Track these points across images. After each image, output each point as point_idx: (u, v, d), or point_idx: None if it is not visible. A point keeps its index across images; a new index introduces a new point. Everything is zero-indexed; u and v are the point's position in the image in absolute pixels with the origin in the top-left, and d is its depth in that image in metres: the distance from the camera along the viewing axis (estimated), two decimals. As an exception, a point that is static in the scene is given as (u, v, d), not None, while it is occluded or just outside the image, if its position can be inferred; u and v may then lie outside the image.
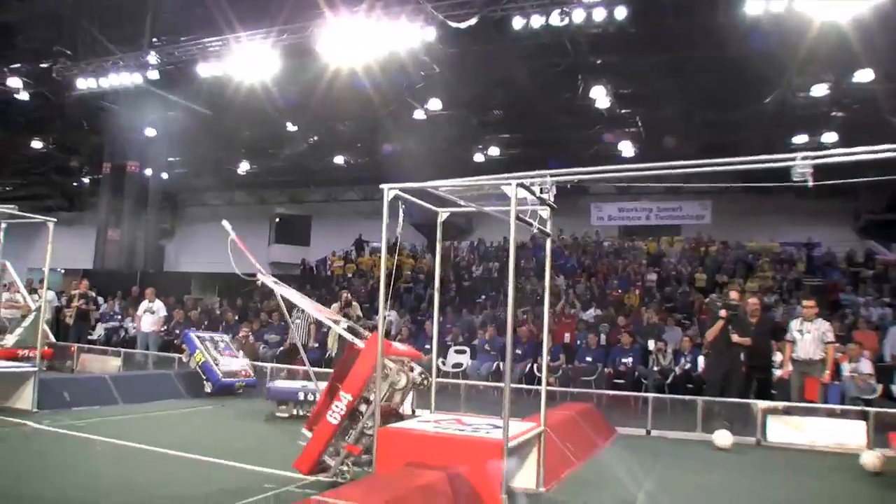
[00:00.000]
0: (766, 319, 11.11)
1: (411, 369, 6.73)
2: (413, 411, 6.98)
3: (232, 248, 7.60)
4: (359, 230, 29.59)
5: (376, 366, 5.96)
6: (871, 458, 7.60)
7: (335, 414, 6.13)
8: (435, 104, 21.52)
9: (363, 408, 6.16)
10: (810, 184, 5.35)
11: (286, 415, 10.25)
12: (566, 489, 6.49)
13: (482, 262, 24.76)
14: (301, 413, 10.06)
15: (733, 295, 11.12)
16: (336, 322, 7.73)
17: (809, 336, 10.04)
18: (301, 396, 10.29)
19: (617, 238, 26.93)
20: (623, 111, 22.07)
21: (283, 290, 7.89)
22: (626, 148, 23.15)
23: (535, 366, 13.70)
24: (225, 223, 7.88)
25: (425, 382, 6.85)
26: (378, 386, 5.97)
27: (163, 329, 16.48)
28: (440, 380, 10.49)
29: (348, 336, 6.94)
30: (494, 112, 24.35)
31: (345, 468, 6.16)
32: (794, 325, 10.38)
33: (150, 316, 15.89)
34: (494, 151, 25.81)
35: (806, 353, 10.03)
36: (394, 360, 6.34)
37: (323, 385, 7.65)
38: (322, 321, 7.71)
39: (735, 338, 10.19)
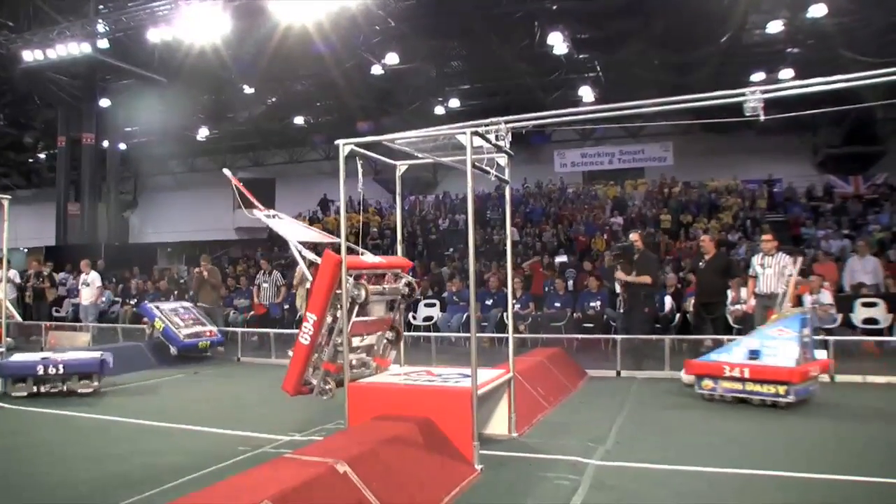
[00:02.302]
0: (718, 257, 11.21)
1: (397, 279, 6.83)
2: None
3: (237, 192, 7.62)
4: (323, 190, 29.37)
5: (337, 283, 5.98)
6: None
7: (305, 335, 6.21)
8: (392, 58, 21.26)
9: (335, 325, 6.21)
10: (762, 118, 5.44)
11: (24, 393, 8.56)
12: (538, 433, 6.60)
13: (448, 215, 24.77)
14: (43, 390, 8.62)
15: (633, 237, 11.33)
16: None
17: (770, 270, 10.20)
18: (41, 370, 8.61)
19: (581, 184, 27.07)
20: (581, 56, 22.01)
21: (279, 226, 7.71)
22: (587, 93, 23.08)
23: (505, 314, 13.78)
24: (226, 171, 7.95)
25: (414, 294, 7.00)
26: (345, 299, 5.98)
27: (117, 301, 16.16)
28: (411, 334, 10.55)
29: (311, 256, 7.00)
30: (453, 63, 24.15)
31: (327, 386, 6.25)
32: (756, 259, 10.54)
33: (85, 289, 15.65)
34: (455, 103, 25.62)
35: (768, 287, 10.20)
36: (355, 273, 6.24)
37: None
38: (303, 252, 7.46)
39: (619, 274, 10.75)
